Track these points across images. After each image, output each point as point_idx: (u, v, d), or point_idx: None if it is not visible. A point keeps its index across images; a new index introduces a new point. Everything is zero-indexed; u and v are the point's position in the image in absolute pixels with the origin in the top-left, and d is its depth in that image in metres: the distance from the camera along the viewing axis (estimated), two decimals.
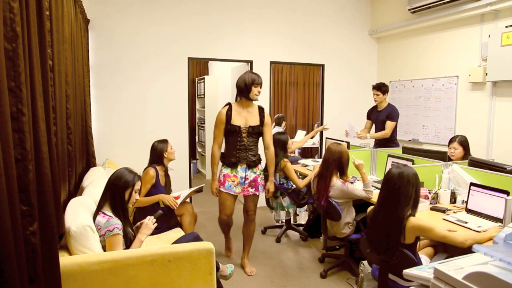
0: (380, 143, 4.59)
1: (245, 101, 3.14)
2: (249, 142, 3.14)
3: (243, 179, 3.16)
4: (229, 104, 3.18)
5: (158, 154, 3.28)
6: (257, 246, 3.84)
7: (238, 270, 3.18)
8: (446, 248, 2.60)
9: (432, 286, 1.35)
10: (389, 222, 2.19)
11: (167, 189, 3.32)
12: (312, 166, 4.36)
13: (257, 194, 3.23)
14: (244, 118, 3.12)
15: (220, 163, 3.23)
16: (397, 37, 5.49)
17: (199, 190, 3.45)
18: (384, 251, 2.22)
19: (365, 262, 2.69)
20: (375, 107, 4.77)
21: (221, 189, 3.18)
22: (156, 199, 3.12)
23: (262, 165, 3.32)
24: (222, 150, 3.25)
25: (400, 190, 2.16)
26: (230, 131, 3.12)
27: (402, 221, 2.14)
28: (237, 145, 3.13)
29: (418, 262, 2.17)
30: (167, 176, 3.38)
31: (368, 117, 4.85)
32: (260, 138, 3.24)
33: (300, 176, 4.20)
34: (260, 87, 3.10)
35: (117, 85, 4.53)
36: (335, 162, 3.06)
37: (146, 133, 4.64)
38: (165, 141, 3.33)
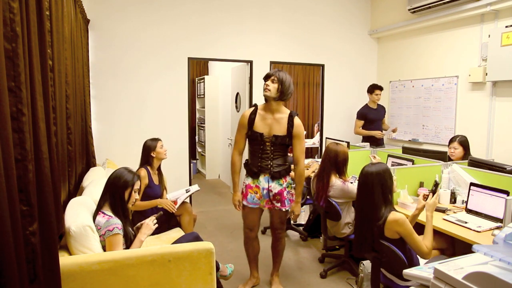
0: (373, 140, 4.96)
1: (269, 104, 2.69)
2: (273, 152, 2.72)
3: (267, 191, 2.75)
4: (255, 105, 2.77)
5: (146, 153, 3.27)
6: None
7: (238, 270, 3.18)
8: (455, 254, 2.58)
9: (432, 286, 1.34)
10: (363, 220, 2.30)
11: (161, 188, 3.32)
12: (307, 162, 4.36)
13: (283, 210, 2.79)
14: (268, 125, 2.68)
15: (244, 170, 2.88)
16: (397, 37, 5.49)
17: (196, 191, 3.46)
18: (364, 247, 2.31)
19: (365, 262, 2.69)
20: (369, 107, 5.03)
21: (244, 202, 2.82)
22: (154, 203, 3.13)
23: (290, 179, 2.87)
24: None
25: (368, 189, 2.25)
26: (252, 138, 2.74)
27: (372, 219, 2.22)
28: (259, 154, 2.74)
29: (410, 259, 2.18)
30: (160, 174, 3.37)
31: (365, 117, 4.99)
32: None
33: None
34: (272, 80, 2.64)
35: (117, 85, 4.53)
36: (331, 162, 3.06)
37: (146, 133, 4.62)
38: (155, 140, 3.29)
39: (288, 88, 2.66)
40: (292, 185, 2.84)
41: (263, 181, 2.75)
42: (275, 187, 2.75)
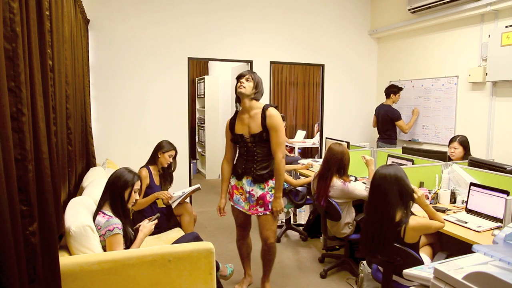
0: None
1: (244, 104, 2.69)
2: (257, 153, 2.68)
3: (249, 195, 2.73)
4: (236, 111, 2.83)
5: (155, 150, 3.29)
6: (256, 246, 3.83)
7: (238, 270, 3.18)
8: (443, 246, 2.61)
9: (432, 286, 1.34)
10: (380, 224, 2.20)
11: (163, 190, 3.32)
12: (307, 162, 4.37)
13: (268, 213, 2.71)
14: (246, 125, 2.68)
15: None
16: (397, 37, 5.49)
17: (197, 189, 3.45)
18: (380, 251, 2.22)
19: (365, 262, 2.69)
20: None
21: (231, 203, 2.87)
22: (153, 198, 3.14)
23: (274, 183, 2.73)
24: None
25: (383, 191, 2.18)
26: (235, 142, 2.78)
27: (393, 221, 2.16)
28: (244, 156, 2.74)
29: (422, 261, 2.18)
30: (166, 176, 3.37)
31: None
32: None
33: (301, 176, 4.21)
34: (246, 79, 2.64)
35: (117, 85, 4.53)
36: (337, 163, 3.06)
37: (146, 133, 4.64)
38: (171, 146, 3.30)
39: (262, 88, 2.73)
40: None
41: (246, 184, 2.74)
42: (257, 191, 2.70)
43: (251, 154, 2.71)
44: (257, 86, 2.67)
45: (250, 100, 2.67)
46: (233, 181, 2.83)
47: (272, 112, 2.61)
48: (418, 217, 2.21)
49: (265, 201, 2.69)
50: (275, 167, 2.64)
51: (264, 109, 2.64)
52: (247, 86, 2.63)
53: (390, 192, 2.16)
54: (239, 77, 2.68)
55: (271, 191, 2.70)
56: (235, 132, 2.74)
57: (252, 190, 2.71)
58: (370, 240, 2.26)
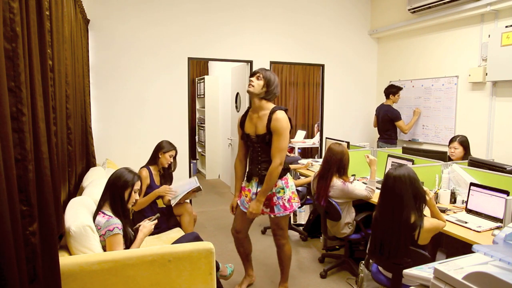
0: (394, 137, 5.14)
1: (253, 103, 2.62)
2: (261, 154, 2.64)
3: (254, 196, 2.68)
4: (248, 107, 2.75)
5: (156, 151, 3.29)
6: (257, 246, 3.84)
7: (238, 270, 3.18)
8: (442, 245, 2.62)
9: (432, 286, 1.34)
10: (396, 226, 2.15)
11: None
12: (306, 161, 4.37)
13: (272, 216, 2.69)
14: (254, 124, 2.63)
15: None
16: (397, 37, 5.49)
17: (197, 190, 3.44)
18: (395, 255, 2.18)
19: (363, 262, 2.69)
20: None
21: (238, 203, 2.84)
22: (153, 196, 3.13)
23: (283, 183, 2.69)
24: None
25: (399, 193, 2.14)
26: (244, 140, 2.74)
27: (409, 224, 2.12)
28: (251, 156, 2.73)
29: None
30: (166, 176, 3.37)
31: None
32: None
33: (301, 176, 4.21)
34: (257, 77, 2.57)
35: (117, 85, 4.53)
36: (337, 163, 3.06)
37: (146, 133, 4.64)
38: (171, 146, 3.30)
39: (274, 88, 2.59)
40: (285, 190, 2.68)
41: (254, 185, 2.71)
42: None
43: (256, 154, 2.68)
44: (269, 85, 2.56)
45: (260, 100, 2.59)
46: (244, 183, 2.81)
47: (279, 115, 2.52)
48: (429, 218, 2.21)
49: (271, 203, 2.67)
50: (268, 171, 2.56)
51: (272, 112, 2.55)
52: (256, 85, 2.55)
53: (405, 194, 2.12)
54: (252, 75, 2.61)
55: (278, 192, 2.67)
56: (244, 131, 2.70)
57: (258, 191, 2.66)
58: (387, 244, 2.19)
